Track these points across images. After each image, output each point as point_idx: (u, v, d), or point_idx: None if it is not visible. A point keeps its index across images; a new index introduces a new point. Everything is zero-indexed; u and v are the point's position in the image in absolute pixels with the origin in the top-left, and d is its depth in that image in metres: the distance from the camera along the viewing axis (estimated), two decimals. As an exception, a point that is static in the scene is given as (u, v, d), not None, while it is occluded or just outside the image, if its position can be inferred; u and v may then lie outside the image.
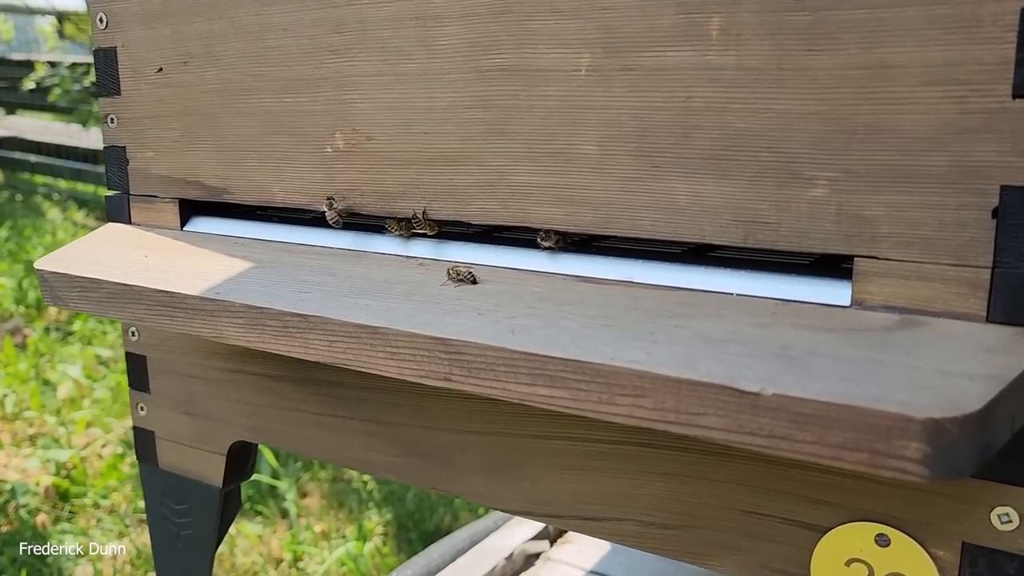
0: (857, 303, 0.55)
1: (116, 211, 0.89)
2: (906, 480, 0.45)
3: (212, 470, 0.89)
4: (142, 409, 0.93)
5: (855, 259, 0.54)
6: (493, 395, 0.56)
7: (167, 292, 0.70)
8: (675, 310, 0.57)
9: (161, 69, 0.82)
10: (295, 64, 0.74)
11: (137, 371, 0.92)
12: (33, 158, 5.79)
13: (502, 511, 0.72)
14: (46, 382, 2.88)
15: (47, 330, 3.32)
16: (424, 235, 0.71)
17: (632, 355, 0.51)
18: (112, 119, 0.87)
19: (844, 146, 0.53)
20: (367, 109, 0.71)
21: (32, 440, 2.56)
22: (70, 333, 3.31)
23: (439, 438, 0.74)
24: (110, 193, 0.89)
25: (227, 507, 0.90)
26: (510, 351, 0.54)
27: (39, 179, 5.87)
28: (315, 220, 0.82)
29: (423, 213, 0.70)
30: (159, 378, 0.91)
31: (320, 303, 0.64)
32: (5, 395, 2.75)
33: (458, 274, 0.65)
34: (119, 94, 0.86)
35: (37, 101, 5.92)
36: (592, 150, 0.62)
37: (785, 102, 0.54)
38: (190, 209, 0.86)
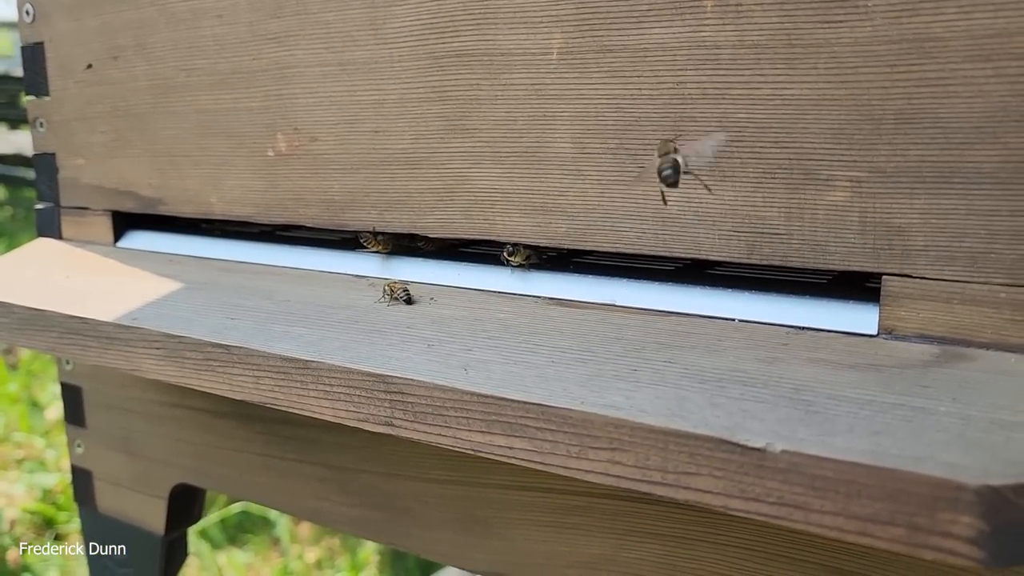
0: (885, 331, 0.44)
1: (46, 225, 0.80)
2: (954, 563, 0.34)
3: (153, 516, 0.79)
4: (79, 446, 0.84)
5: (884, 278, 0.44)
6: (443, 444, 0.46)
7: (79, 318, 0.60)
8: (665, 340, 0.47)
9: (90, 66, 0.73)
10: (231, 55, 0.65)
11: (72, 404, 0.82)
12: (32, 175, 5.72)
13: (469, 571, 0.62)
14: (35, 403, 2.80)
15: (40, 349, 3.23)
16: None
17: (609, 399, 0.41)
18: (41, 123, 0.78)
19: (869, 139, 0.43)
20: (310, 105, 0.62)
21: (20, 464, 2.47)
22: (62, 353, 3.22)
23: (397, 487, 0.64)
24: (40, 205, 0.80)
25: (171, 557, 0.80)
26: (461, 392, 0.44)
27: (41, 196, 5.81)
28: (261, 235, 0.72)
29: (373, 231, 0.60)
30: (96, 412, 0.81)
31: (248, 332, 0.54)
32: (-6, 417, 2.66)
33: (392, 292, 0.56)
34: (47, 95, 0.77)
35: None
36: (566, 148, 0.52)
37: (796, 86, 0.45)
38: (124, 222, 0.76)
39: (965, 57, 0.40)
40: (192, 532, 2.04)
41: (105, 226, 0.76)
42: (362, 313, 0.55)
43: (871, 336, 0.45)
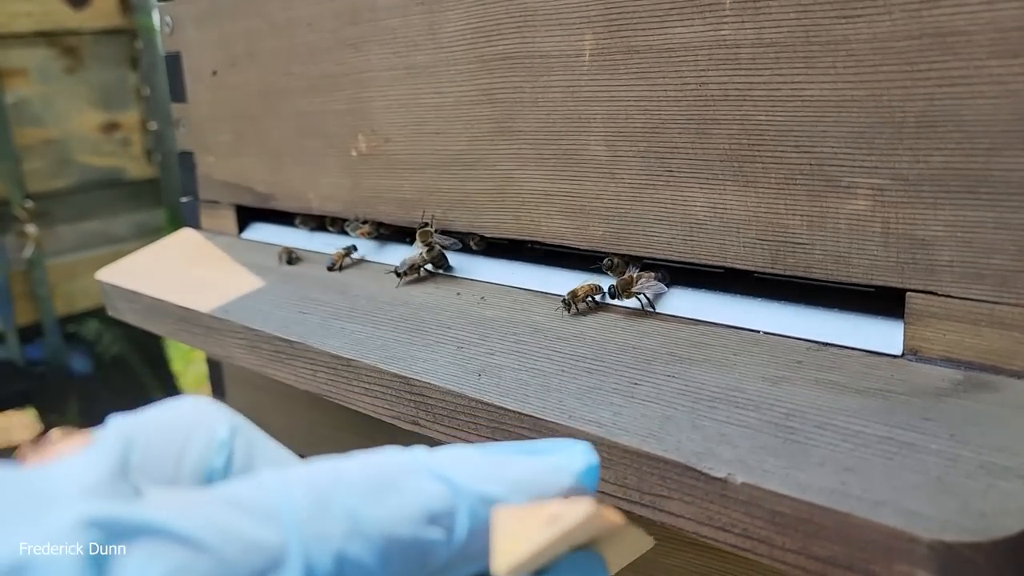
0: (910, 352, 0.41)
1: (189, 217, 0.88)
2: (922, 620, 0.32)
3: (279, 483, 0.86)
4: (223, 415, 0.92)
5: (908, 294, 0.41)
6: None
7: (185, 308, 0.67)
8: (680, 352, 0.46)
9: (215, 72, 0.80)
10: (320, 61, 0.68)
11: (215, 376, 0.91)
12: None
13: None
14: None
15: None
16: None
17: (597, 414, 0.41)
18: (182, 124, 0.86)
19: (890, 143, 0.40)
20: (383, 107, 0.64)
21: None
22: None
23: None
24: (184, 199, 0.88)
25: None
26: (468, 398, 0.46)
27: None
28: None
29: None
30: (233, 385, 0.90)
31: (312, 327, 0.58)
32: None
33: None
34: (186, 100, 0.84)
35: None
36: (601, 151, 0.51)
37: (815, 87, 0.42)
38: (247, 215, 0.83)
39: (991, 52, 0.36)
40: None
41: (231, 218, 0.83)
42: (414, 311, 0.57)
43: (895, 357, 0.41)
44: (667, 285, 0.51)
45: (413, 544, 0.23)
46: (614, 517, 0.26)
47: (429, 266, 0.61)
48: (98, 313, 2.56)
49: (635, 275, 0.50)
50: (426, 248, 0.59)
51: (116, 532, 0.19)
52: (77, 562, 0.18)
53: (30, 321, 2.46)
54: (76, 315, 2.55)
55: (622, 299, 0.51)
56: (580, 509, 0.24)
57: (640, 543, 0.33)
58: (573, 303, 0.52)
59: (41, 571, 0.17)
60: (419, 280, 0.63)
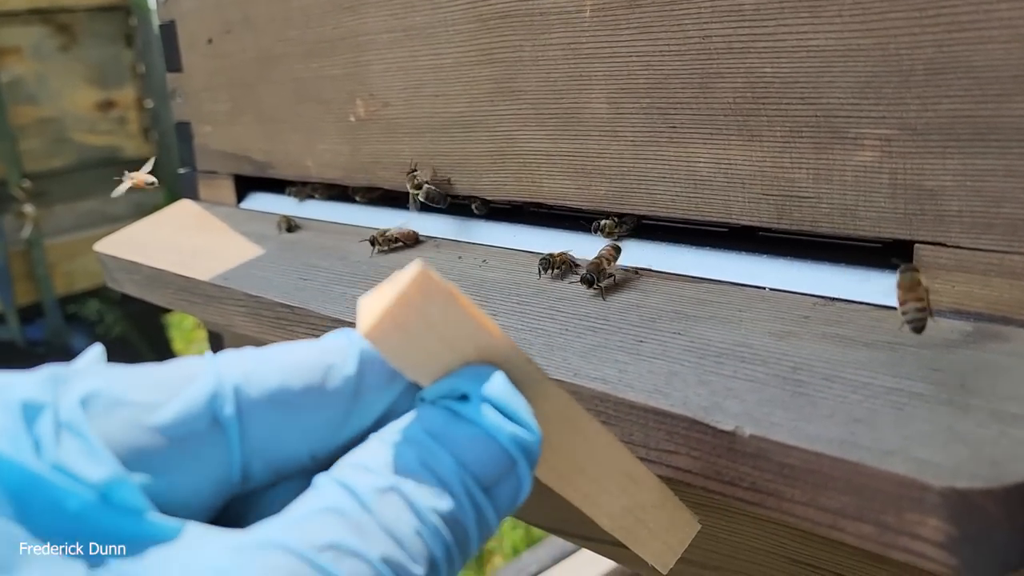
0: (919, 305, 0.40)
1: (187, 188, 0.87)
2: (930, 569, 0.32)
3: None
4: (225, 388, 0.92)
5: (915, 246, 0.40)
6: (462, 409, 0.47)
7: (185, 277, 0.66)
8: (686, 310, 0.45)
9: (211, 40, 0.79)
10: (316, 25, 0.67)
11: (216, 349, 0.91)
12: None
13: (531, 524, 0.63)
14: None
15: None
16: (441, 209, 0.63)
17: (602, 371, 0.41)
18: (178, 95, 0.85)
19: (898, 92, 0.39)
20: (381, 71, 0.63)
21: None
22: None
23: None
24: (182, 170, 0.88)
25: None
26: (472, 359, 0.45)
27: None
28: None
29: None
30: (235, 358, 0.89)
31: (313, 293, 0.57)
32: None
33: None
34: (181, 70, 0.83)
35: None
36: (602, 108, 0.50)
37: (822, 36, 0.41)
38: (245, 185, 0.82)
39: (1001, -5, 0.35)
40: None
41: (229, 188, 0.82)
42: (416, 276, 0.57)
43: (903, 310, 0.41)
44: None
45: (312, 367, 0.27)
46: (469, 305, 0.27)
47: (424, 198, 0.61)
48: (98, 293, 2.55)
49: (602, 258, 0.49)
50: (416, 190, 0.59)
51: (67, 376, 0.25)
52: (37, 381, 0.24)
53: (30, 301, 2.46)
54: (76, 295, 2.54)
55: (601, 282, 0.49)
56: (414, 267, 0.25)
57: (686, 526, 0.33)
58: (550, 267, 0.52)
59: (12, 387, 0.24)
60: (399, 249, 0.62)
